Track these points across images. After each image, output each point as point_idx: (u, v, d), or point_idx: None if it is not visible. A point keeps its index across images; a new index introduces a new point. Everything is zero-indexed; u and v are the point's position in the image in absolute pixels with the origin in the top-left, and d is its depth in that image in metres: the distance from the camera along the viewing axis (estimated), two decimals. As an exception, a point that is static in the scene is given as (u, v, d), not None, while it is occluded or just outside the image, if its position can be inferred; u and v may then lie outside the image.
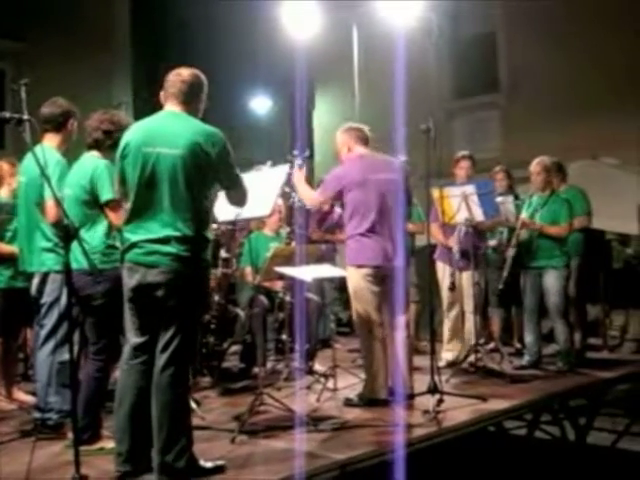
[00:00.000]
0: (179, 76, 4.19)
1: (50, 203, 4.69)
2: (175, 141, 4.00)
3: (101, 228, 4.65)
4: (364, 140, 5.86)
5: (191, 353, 4.19)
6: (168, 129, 4.07)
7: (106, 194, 4.57)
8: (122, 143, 4.16)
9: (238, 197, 4.34)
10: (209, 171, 4.05)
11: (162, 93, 4.25)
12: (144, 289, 3.99)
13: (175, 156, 3.97)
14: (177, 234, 3.95)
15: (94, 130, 4.80)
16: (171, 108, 4.19)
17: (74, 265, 4.30)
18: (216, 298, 6.76)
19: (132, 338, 4.12)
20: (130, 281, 4.05)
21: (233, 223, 6.29)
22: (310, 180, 8.96)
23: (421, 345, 7.66)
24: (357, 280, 5.63)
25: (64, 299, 4.67)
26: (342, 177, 5.74)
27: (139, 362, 4.08)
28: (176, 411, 3.96)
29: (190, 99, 4.18)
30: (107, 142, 4.76)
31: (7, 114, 3.84)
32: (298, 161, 5.96)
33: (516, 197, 7.73)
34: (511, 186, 8.02)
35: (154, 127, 4.13)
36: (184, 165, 3.97)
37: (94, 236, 4.62)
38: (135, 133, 4.14)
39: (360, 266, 5.62)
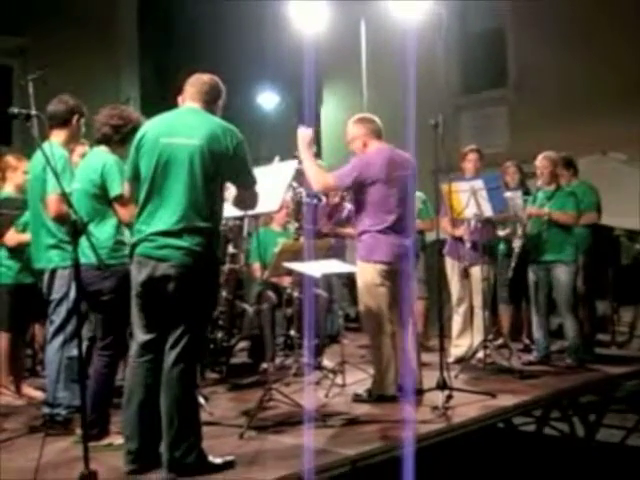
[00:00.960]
0: (200, 79, 4.26)
1: (52, 197, 4.69)
2: (193, 132, 4.02)
3: (110, 223, 4.64)
4: (379, 133, 5.76)
5: (200, 349, 4.18)
6: (187, 121, 4.10)
7: (116, 189, 4.57)
8: (138, 135, 4.17)
9: (249, 198, 4.32)
10: (226, 164, 4.05)
11: (180, 97, 4.28)
12: (154, 283, 3.97)
13: (193, 146, 3.98)
14: (190, 226, 3.94)
15: (103, 125, 4.80)
16: (190, 104, 4.22)
17: (82, 260, 4.30)
18: (224, 294, 6.76)
19: (139, 335, 4.12)
20: (139, 275, 4.03)
21: (240, 219, 6.28)
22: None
23: (429, 343, 7.64)
24: (371, 275, 5.57)
25: (72, 295, 4.70)
26: (363, 169, 5.55)
27: (147, 360, 4.08)
28: (185, 407, 3.96)
29: (210, 100, 4.23)
30: (116, 137, 4.75)
31: (15, 109, 3.84)
32: (308, 131, 5.65)
33: (527, 192, 7.68)
34: (523, 180, 7.99)
35: (173, 119, 4.16)
36: (202, 155, 3.97)
37: (103, 231, 4.61)
38: (153, 125, 4.16)
39: (375, 262, 5.56)
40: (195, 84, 4.23)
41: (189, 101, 4.22)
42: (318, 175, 5.67)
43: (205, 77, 4.28)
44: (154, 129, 4.11)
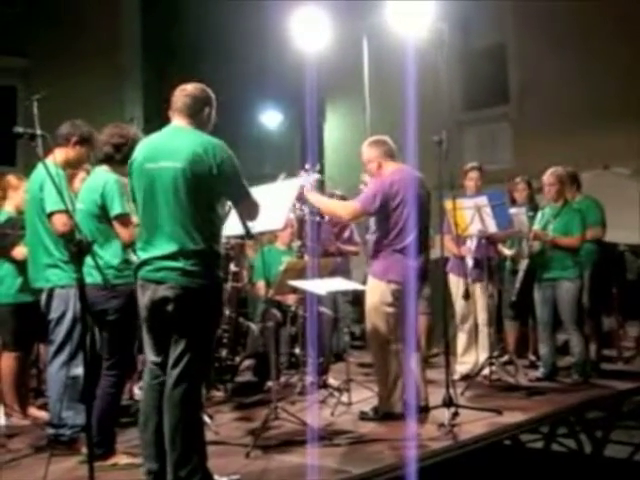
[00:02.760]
0: (184, 91, 4.20)
1: (56, 216, 4.69)
2: (176, 154, 3.98)
3: (116, 243, 4.64)
4: (392, 153, 5.78)
5: (204, 369, 4.16)
6: (171, 143, 4.06)
7: (116, 208, 4.57)
8: (130, 160, 4.19)
9: (248, 210, 4.26)
10: (212, 183, 3.99)
11: (170, 111, 4.26)
12: (156, 305, 3.98)
13: (176, 169, 3.94)
14: (183, 249, 3.93)
15: (104, 144, 4.81)
16: (177, 123, 4.19)
17: (88, 279, 4.30)
18: (227, 312, 6.75)
19: (150, 357, 4.12)
20: (143, 299, 4.05)
21: (242, 237, 6.28)
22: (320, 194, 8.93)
23: (431, 354, 7.62)
24: (383, 294, 5.57)
25: (70, 314, 4.71)
26: (389, 189, 5.55)
27: (158, 382, 4.07)
28: (188, 428, 3.93)
29: (195, 112, 4.17)
30: (117, 156, 4.75)
31: (20, 129, 3.84)
32: (311, 177, 5.76)
33: (536, 207, 7.61)
34: (532, 196, 7.97)
35: (158, 143, 4.15)
36: (185, 178, 3.93)
37: (109, 251, 4.62)
38: (140, 151, 4.16)
39: (390, 281, 5.56)
40: (179, 97, 4.17)
41: (176, 119, 4.19)
42: (341, 207, 5.85)
43: (189, 88, 4.20)
44: (141, 155, 4.12)
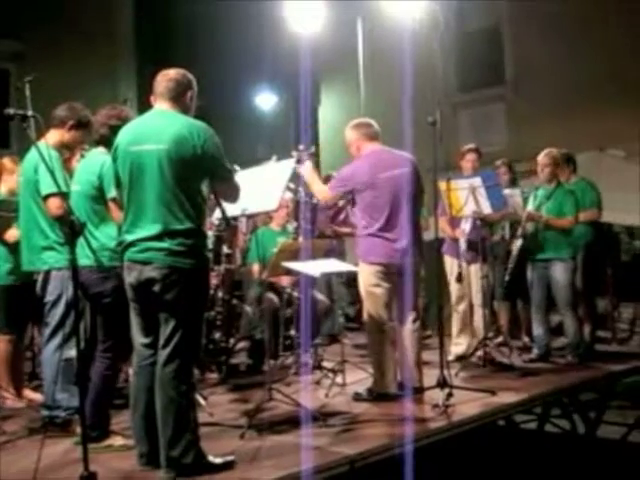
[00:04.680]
0: (166, 76, 4.22)
1: (51, 198, 4.67)
2: (160, 136, 4.00)
3: (112, 225, 4.63)
4: (373, 136, 5.82)
5: (194, 349, 4.16)
6: (154, 126, 4.09)
7: (113, 191, 4.56)
8: (114, 145, 4.20)
9: (229, 192, 4.30)
10: (197, 164, 4.02)
11: (152, 96, 4.26)
12: (142, 286, 4.01)
13: (160, 150, 3.97)
14: (169, 229, 3.95)
15: (101, 126, 4.79)
16: (159, 106, 4.20)
17: (85, 262, 4.31)
18: (220, 294, 6.74)
19: (139, 339, 4.15)
20: (129, 279, 4.07)
21: (235, 218, 6.28)
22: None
23: (425, 335, 7.63)
24: (367, 276, 5.63)
25: (66, 297, 4.70)
26: (349, 179, 5.72)
27: (148, 363, 4.10)
28: (180, 407, 3.95)
29: (177, 96, 4.18)
30: (113, 138, 4.72)
31: (12, 110, 3.83)
32: (307, 152, 5.90)
33: None
34: (514, 180, 7.96)
35: (141, 126, 4.16)
36: (169, 159, 3.96)
37: (104, 233, 4.62)
38: (124, 134, 4.18)
39: (371, 263, 5.62)
40: (161, 82, 4.19)
41: (158, 101, 4.21)
42: (317, 187, 5.98)
43: (171, 73, 4.22)
44: (125, 138, 4.13)
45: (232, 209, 4.97)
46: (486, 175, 6.85)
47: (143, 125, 4.16)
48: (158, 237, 3.95)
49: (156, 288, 3.95)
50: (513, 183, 7.87)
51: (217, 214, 5.21)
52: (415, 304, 5.81)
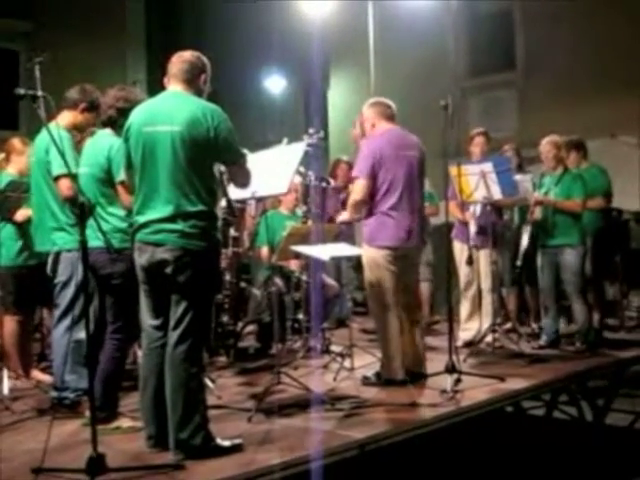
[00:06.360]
0: (180, 57, 4.23)
1: (62, 179, 4.66)
2: (173, 118, 4.00)
3: (121, 207, 4.62)
4: (390, 116, 5.77)
5: (204, 331, 4.19)
6: (168, 107, 4.09)
7: (122, 174, 4.54)
8: (126, 126, 4.19)
9: (241, 175, 4.31)
10: (209, 146, 4.03)
11: (165, 78, 4.26)
12: (154, 267, 4.01)
13: (174, 132, 3.98)
14: (181, 211, 3.96)
15: (109, 107, 4.77)
16: (173, 88, 4.20)
17: (95, 243, 4.30)
18: (228, 277, 6.73)
19: (148, 320, 4.15)
20: (140, 260, 4.07)
21: (243, 201, 6.26)
22: (324, 161, 8.92)
23: (433, 320, 7.62)
24: (375, 259, 5.57)
25: (77, 278, 4.69)
26: (374, 152, 5.56)
27: (158, 345, 4.10)
28: (189, 389, 3.96)
29: (191, 78, 4.19)
30: (121, 120, 4.70)
31: (22, 90, 3.83)
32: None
33: None
34: (520, 165, 7.92)
35: (155, 107, 4.16)
36: (183, 141, 3.97)
37: (114, 215, 4.61)
38: (137, 115, 4.17)
39: (380, 246, 5.55)
40: (175, 64, 4.20)
41: (172, 83, 4.20)
42: (353, 201, 5.68)
43: (186, 54, 4.23)
44: (138, 118, 4.13)
45: (242, 192, 4.96)
46: (498, 160, 6.82)
47: (156, 106, 4.15)
48: (171, 219, 3.95)
49: (168, 270, 3.95)
50: (520, 168, 7.84)
51: (223, 203, 5.18)
52: (417, 289, 5.77)
